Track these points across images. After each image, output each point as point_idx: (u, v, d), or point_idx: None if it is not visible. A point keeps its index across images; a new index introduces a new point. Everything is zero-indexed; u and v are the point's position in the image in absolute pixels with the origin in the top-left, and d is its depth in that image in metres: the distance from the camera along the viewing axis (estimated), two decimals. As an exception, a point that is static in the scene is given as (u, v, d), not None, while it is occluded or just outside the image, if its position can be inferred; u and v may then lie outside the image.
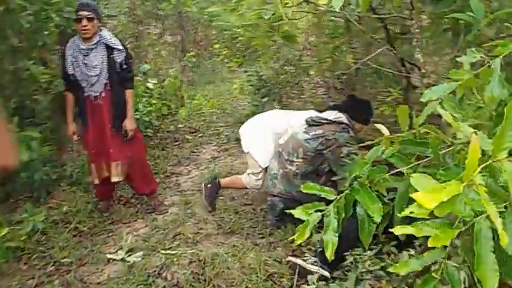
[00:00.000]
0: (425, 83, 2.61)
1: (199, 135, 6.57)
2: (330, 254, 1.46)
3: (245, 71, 7.23)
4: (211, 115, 7.55)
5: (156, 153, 5.68)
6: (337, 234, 1.47)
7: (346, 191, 1.53)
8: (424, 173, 1.47)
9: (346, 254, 2.80)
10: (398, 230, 0.97)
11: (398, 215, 1.50)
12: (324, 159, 3.54)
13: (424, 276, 1.10)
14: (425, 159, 1.48)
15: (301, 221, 3.40)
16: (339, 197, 1.55)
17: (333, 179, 3.47)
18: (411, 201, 1.51)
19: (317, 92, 7.51)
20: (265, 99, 6.53)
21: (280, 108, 6.24)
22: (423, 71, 2.67)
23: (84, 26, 3.57)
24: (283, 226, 3.64)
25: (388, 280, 2.80)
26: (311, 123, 3.59)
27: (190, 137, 6.41)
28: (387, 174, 1.50)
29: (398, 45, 3.72)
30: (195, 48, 11.11)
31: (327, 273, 2.89)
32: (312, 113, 3.80)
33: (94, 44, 3.64)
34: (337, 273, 2.92)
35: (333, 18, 4.57)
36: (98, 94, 3.73)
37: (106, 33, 3.73)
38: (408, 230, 0.96)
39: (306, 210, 1.58)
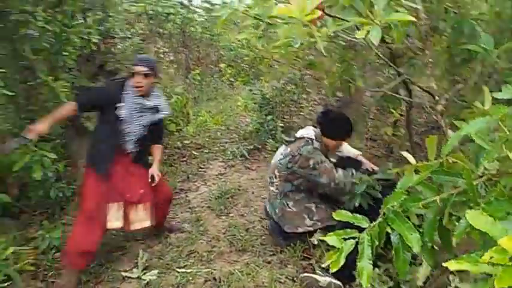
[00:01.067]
0: (439, 110, 2.68)
1: (206, 151, 6.64)
2: (365, 282, 1.51)
3: (250, 90, 7.33)
4: (216, 131, 7.62)
5: (165, 169, 5.74)
6: (371, 262, 1.53)
7: (380, 219, 1.59)
8: (455, 202, 1.55)
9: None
10: (453, 266, 1.03)
11: (428, 243, 1.57)
12: (298, 175, 3.62)
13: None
14: (456, 189, 1.54)
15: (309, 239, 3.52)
16: (372, 225, 1.60)
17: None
18: (440, 229, 1.60)
19: (315, 109, 7.64)
20: (269, 117, 6.65)
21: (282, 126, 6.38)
22: (437, 98, 2.74)
23: (139, 82, 3.43)
24: (292, 244, 3.71)
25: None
26: (286, 144, 3.75)
27: (197, 153, 6.47)
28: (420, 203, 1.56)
29: (404, 69, 3.77)
30: (198, 66, 11.24)
31: (339, 282, 3.05)
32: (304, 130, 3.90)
33: (149, 104, 3.52)
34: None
35: (341, 42, 4.66)
36: (130, 150, 3.57)
37: (157, 92, 3.64)
38: (464, 265, 1.02)
39: (339, 237, 1.63)
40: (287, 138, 3.80)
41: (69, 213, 4.42)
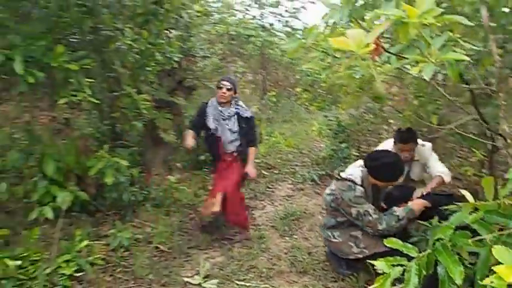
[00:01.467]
0: (511, 154, 2.66)
1: (275, 172, 6.75)
2: (410, 308, 1.57)
3: (325, 116, 7.41)
4: (288, 154, 7.72)
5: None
6: (417, 290, 1.59)
7: (429, 251, 1.65)
8: (505, 243, 1.59)
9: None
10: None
11: (479, 280, 1.62)
12: (342, 214, 3.64)
13: None
14: (509, 230, 1.58)
15: (374, 269, 3.51)
16: (421, 255, 1.67)
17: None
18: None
19: (396, 142, 7.57)
20: (343, 145, 6.67)
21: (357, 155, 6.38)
22: (509, 141, 2.72)
23: (224, 93, 4.38)
24: (355, 273, 3.68)
25: None
26: (336, 179, 3.75)
27: (266, 173, 6.60)
28: (470, 240, 1.61)
29: (482, 107, 3.74)
30: (275, 88, 11.46)
31: None
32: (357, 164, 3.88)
33: (232, 112, 4.47)
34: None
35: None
36: (231, 151, 4.50)
37: (240, 104, 4.53)
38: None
39: (388, 263, 1.70)
40: (336, 172, 3.84)
41: (140, 216, 4.71)
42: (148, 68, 4.63)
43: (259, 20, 11.21)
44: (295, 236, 4.58)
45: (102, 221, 4.51)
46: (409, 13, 1.55)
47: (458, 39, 1.79)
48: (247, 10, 11.16)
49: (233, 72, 9.61)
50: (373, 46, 1.53)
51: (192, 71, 6.73)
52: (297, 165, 7.16)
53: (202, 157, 6.45)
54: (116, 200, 4.59)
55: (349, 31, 1.56)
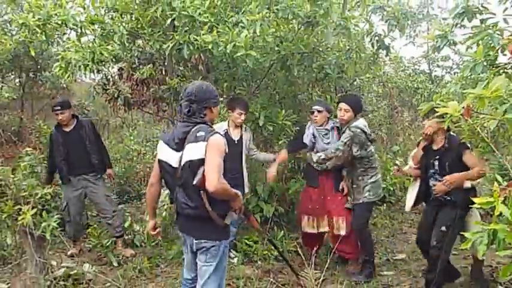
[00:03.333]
0: None
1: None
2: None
3: (486, 159, 7.87)
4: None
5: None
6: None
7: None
8: None
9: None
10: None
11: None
12: None
13: None
14: None
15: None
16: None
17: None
18: None
19: None
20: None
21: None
22: None
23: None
24: None
25: None
26: None
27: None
28: None
29: None
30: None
31: None
32: None
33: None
34: None
35: None
36: None
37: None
38: None
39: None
40: None
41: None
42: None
43: (428, 73, 12.19)
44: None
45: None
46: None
47: None
48: (417, 65, 12.28)
49: (400, 121, 10.68)
50: (463, 111, 2.37)
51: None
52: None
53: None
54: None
55: (450, 103, 2.41)
